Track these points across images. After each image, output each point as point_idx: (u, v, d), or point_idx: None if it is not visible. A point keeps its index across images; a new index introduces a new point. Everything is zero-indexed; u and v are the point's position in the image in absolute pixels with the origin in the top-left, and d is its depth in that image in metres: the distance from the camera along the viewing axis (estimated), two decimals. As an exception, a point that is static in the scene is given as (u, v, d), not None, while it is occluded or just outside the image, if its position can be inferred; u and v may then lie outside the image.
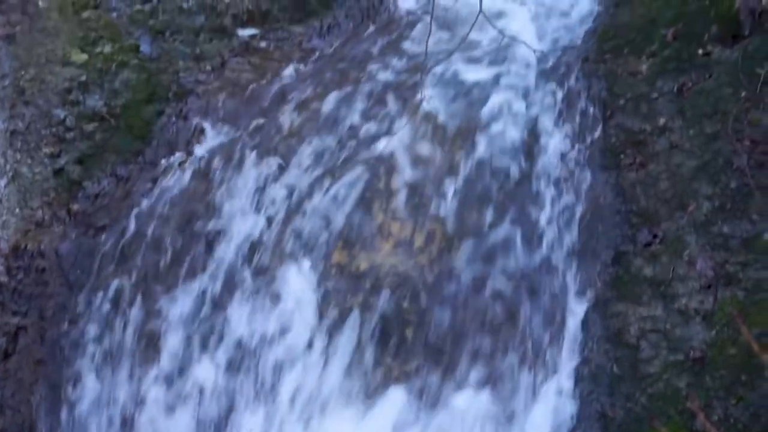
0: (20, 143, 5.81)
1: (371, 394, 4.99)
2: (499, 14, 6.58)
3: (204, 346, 5.33)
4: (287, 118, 6.08)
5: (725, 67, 5.32)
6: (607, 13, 6.41)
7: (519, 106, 5.92)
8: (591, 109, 5.78)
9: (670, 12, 5.83)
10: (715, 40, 5.50)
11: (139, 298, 5.48)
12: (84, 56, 6.08)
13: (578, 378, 4.78)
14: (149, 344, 5.37)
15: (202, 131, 6.08)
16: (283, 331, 5.22)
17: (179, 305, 5.42)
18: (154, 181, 5.86)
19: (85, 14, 6.22)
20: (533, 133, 5.71)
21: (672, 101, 5.46)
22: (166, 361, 5.36)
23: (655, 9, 5.97)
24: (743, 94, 5.11)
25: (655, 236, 5.02)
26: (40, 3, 5.99)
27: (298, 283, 5.29)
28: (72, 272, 5.61)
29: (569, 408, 4.74)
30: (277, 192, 5.66)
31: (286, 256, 5.38)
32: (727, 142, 5.02)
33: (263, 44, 6.75)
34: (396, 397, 4.96)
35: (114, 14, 6.36)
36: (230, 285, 5.39)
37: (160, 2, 6.53)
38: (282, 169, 5.74)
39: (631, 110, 5.59)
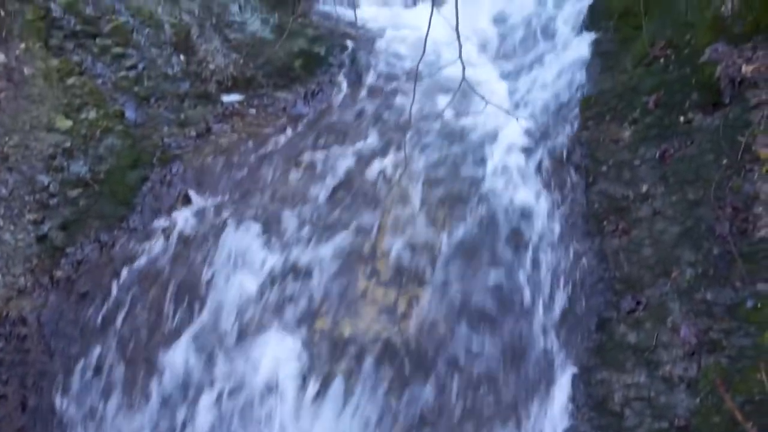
0: (3, 209, 5.79)
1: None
2: (482, 83, 6.64)
3: (187, 412, 5.28)
4: (270, 184, 6.09)
5: (706, 134, 5.36)
6: (590, 81, 6.46)
7: (502, 172, 5.95)
8: (574, 176, 5.81)
9: (652, 80, 5.88)
10: (696, 108, 5.54)
11: (121, 365, 5.44)
12: (69, 122, 6.09)
13: (563, 447, 4.76)
14: (131, 411, 5.32)
15: (186, 197, 6.08)
16: (265, 397, 5.18)
17: (162, 373, 5.38)
18: (138, 247, 5.85)
19: (70, 81, 6.24)
20: (517, 200, 5.73)
21: (654, 168, 5.49)
22: (148, 429, 5.31)
23: (636, 77, 6.02)
24: (725, 161, 5.14)
25: (638, 303, 5.02)
26: (26, 70, 6.02)
27: (281, 349, 5.27)
28: (54, 339, 5.57)
29: (555, 476, 4.72)
30: (260, 257, 5.65)
31: (269, 322, 5.36)
32: (709, 208, 5.04)
33: (247, 110, 6.78)
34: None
35: (99, 81, 6.39)
36: (211, 351, 5.35)
37: (145, 69, 6.56)
38: (265, 234, 5.73)
39: (614, 177, 5.61)
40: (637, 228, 5.31)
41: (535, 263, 5.43)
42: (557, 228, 5.56)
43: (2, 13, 6.13)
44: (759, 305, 4.61)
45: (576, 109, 6.23)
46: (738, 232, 4.86)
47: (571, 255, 5.40)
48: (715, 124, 5.36)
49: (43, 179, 5.90)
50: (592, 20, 6.93)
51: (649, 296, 4.99)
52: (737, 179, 5.03)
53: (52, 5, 6.40)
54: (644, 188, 5.43)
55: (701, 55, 5.60)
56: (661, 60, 5.95)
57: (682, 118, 5.57)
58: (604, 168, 5.69)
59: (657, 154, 5.53)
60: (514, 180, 5.89)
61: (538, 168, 5.96)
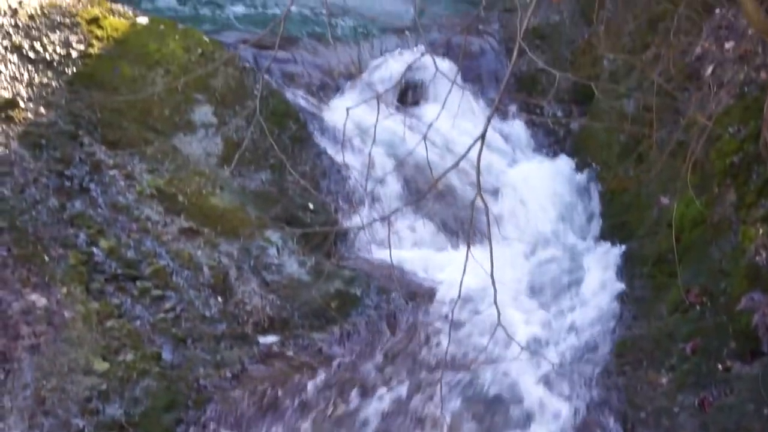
0: (37, 454, 5.77)
1: None
2: (514, 324, 6.66)
3: None
4: (307, 427, 6.06)
5: (746, 383, 5.32)
6: (625, 327, 6.47)
7: (540, 414, 5.90)
8: (612, 423, 5.74)
9: (688, 327, 5.89)
10: (735, 356, 5.52)
11: None
12: (106, 365, 6.12)
13: None
14: None
15: (219, 441, 6.04)
16: None
17: None
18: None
19: (109, 323, 6.31)
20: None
21: (694, 416, 5.43)
22: None
23: (672, 323, 6.03)
24: (766, 411, 5.08)
25: None
26: (66, 313, 6.11)
27: None
28: None
29: None
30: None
31: None
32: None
33: (283, 351, 6.80)
34: None
35: (137, 323, 6.45)
36: None
37: (183, 310, 6.64)
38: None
39: (653, 424, 5.54)
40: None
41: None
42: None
43: (46, 259, 6.28)
44: None
45: (610, 354, 6.22)
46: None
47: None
48: (755, 373, 5.32)
49: (78, 422, 5.88)
50: (625, 266, 7.01)
51: None
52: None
53: (95, 250, 6.55)
54: (684, 437, 5.36)
55: (737, 303, 5.62)
56: (697, 307, 5.97)
57: (720, 366, 5.54)
58: (643, 414, 5.63)
59: (696, 402, 5.47)
60: (552, 426, 5.82)
61: (575, 414, 5.90)
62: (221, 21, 10.00)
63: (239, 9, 10.36)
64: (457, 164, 4.71)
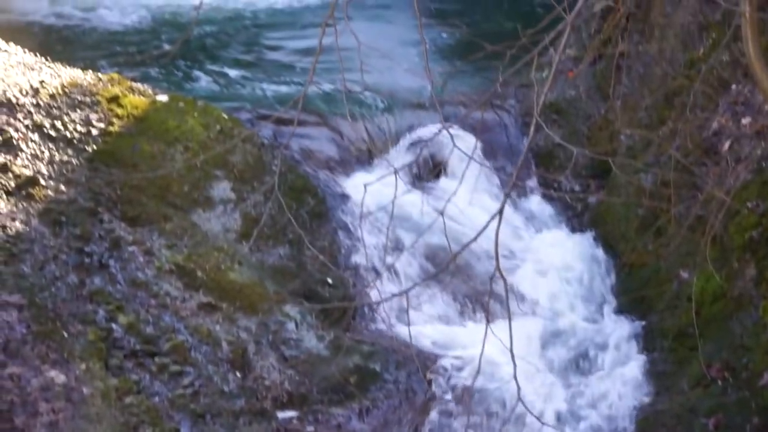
0: None
1: None
2: (534, 401, 6.62)
3: None
4: None
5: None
6: (646, 402, 6.42)
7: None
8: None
9: (710, 402, 5.85)
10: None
11: None
12: (126, 442, 6.12)
13: None
14: None
15: None
16: None
17: None
18: None
19: (128, 400, 6.29)
20: None
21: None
22: None
23: (694, 398, 5.99)
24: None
25: None
26: (85, 390, 6.09)
27: None
28: None
29: None
30: None
31: None
32: None
33: (303, 427, 6.77)
34: None
35: (156, 398, 6.44)
36: None
37: (201, 386, 6.62)
38: None
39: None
40: None
41: None
42: None
43: (65, 335, 6.29)
44: None
45: (633, 430, 6.16)
46: None
47: None
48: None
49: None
50: (646, 341, 6.97)
51: None
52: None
53: (114, 326, 6.56)
54: None
55: (760, 378, 5.58)
56: (719, 382, 5.93)
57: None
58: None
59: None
60: None
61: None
62: (241, 98, 10.10)
63: (258, 87, 10.47)
64: (475, 239, 4.71)
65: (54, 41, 11.73)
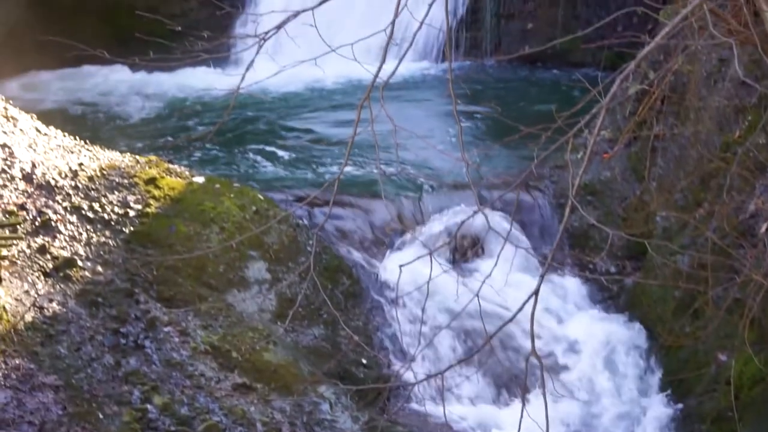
0: None
1: None
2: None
3: None
4: None
5: None
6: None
7: None
8: None
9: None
10: None
11: None
12: None
13: None
14: None
15: None
16: None
17: None
18: None
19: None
20: None
21: None
22: None
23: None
24: None
25: None
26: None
27: None
28: None
29: None
30: None
31: None
32: None
33: None
34: None
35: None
36: None
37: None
38: None
39: None
40: None
41: None
42: None
43: (100, 416, 6.29)
44: None
45: None
46: None
47: None
48: None
49: None
50: (684, 424, 6.89)
51: None
52: None
53: (149, 407, 6.55)
54: None
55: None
56: (759, 468, 5.84)
57: None
58: None
59: None
60: None
61: None
62: (276, 179, 10.18)
63: (294, 168, 10.55)
64: (510, 320, 4.70)
65: (92, 125, 11.93)
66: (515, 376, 7.93)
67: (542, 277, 4.69)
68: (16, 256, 7.04)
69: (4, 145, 7.76)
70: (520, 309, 4.56)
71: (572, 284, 9.00)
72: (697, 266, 7.22)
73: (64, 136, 8.47)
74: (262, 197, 8.49)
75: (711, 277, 6.49)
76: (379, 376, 7.78)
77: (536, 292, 4.50)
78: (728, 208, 7.11)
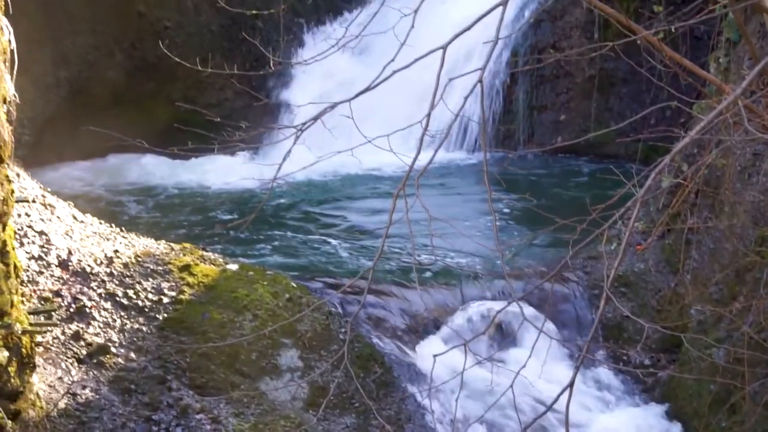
0: None
1: None
2: None
3: None
4: None
5: None
6: None
7: None
8: None
9: None
10: None
11: None
12: None
13: None
14: None
15: None
16: None
17: None
18: None
19: None
20: None
21: None
22: None
23: None
24: None
25: None
26: None
27: None
28: None
29: None
30: None
31: None
32: None
33: None
34: None
35: None
36: None
37: None
38: None
39: None
40: None
41: None
42: None
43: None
44: None
45: None
46: None
47: None
48: None
49: None
50: None
51: None
52: None
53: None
54: None
55: None
56: None
57: None
58: None
59: None
60: None
61: None
62: (309, 267, 10.20)
63: (327, 256, 10.58)
64: (545, 412, 4.66)
65: (128, 213, 12.04)
66: (550, 470, 7.82)
67: (577, 368, 4.66)
68: (51, 342, 7.07)
69: (41, 232, 7.84)
70: (556, 400, 4.52)
71: (607, 376, 8.91)
72: (733, 360, 7.14)
73: (100, 223, 8.56)
74: (295, 285, 8.50)
75: (748, 372, 6.41)
76: (411, 467, 7.70)
77: (571, 384, 4.46)
78: (765, 302, 7.04)
